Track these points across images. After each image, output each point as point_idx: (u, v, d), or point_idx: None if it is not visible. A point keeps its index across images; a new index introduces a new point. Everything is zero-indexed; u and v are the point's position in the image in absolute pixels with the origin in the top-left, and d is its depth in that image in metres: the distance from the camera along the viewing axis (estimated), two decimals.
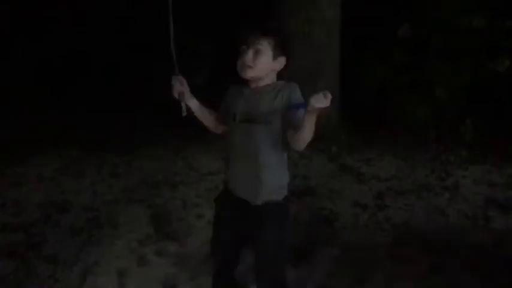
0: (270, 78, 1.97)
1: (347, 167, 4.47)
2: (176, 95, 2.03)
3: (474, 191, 3.93)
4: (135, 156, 4.73)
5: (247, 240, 2.08)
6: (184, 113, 2.04)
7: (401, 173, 4.34)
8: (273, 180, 1.96)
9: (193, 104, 2.06)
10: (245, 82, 1.98)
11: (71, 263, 2.89)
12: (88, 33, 7.31)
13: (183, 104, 2.03)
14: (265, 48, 1.91)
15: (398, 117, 5.47)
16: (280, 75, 2.02)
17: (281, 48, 1.94)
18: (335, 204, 3.74)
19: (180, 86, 2.02)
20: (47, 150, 4.83)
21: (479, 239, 3.19)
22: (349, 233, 3.30)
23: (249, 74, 1.92)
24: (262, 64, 1.91)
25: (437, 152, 4.79)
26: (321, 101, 1.65)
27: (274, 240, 1.97)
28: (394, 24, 5.66)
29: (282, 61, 1.97)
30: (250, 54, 1.90)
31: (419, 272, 2.81)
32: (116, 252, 3.01)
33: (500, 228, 3.34)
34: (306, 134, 1.75)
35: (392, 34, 5.55)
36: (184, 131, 4.07)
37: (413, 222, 3.45)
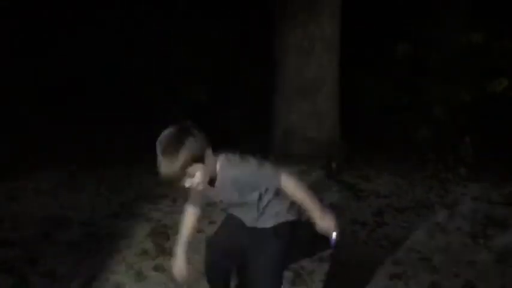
0: (214, 166, 1.85)
1: (346, 183, 4.47)
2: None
3: (473, 208, 3.93)
4: (134, 170, 4.72)
5: (241, 255, 2.08)
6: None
7: (400, 191, 4.35)
8: (269, 219, 2.01)
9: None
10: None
11: (69, 278, 2.86)
12: (87, 49, 7.37)
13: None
14: (192, 170, 1.74)
15: (397, 135, 5.50)
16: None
17: (200, 149, 1.74)
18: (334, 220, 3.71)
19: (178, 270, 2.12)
20: (45, 165, 4.82)
21: (479, 257, 3.18)
22: (347, 250, 3.28)
23: (203, 186, 1.83)
24: (203, 177, 1.79)
25: (436, 170, 4.80)
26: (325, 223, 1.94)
27: (263, 263, 1.98)
28: (392, 43, 5.72)
29: (209, 154, 1.79)
30: (188, 181, 1.77)
31: None
32: (114, 267, 2.98)
33: (500, 246, 3.32)
34: None
35: (391, 53, 5.60)
36: None
37: (412, 239, 3.43)
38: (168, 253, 3.14)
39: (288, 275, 2.93)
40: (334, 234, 1.87)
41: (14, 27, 7.21)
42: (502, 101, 5.32)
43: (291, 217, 2.04)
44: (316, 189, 4.21)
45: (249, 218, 2.03)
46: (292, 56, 5.05)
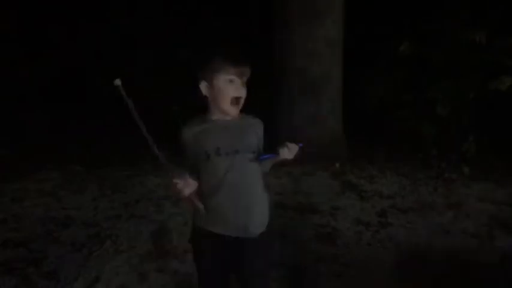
0: None
1: (350, 184, 4.46)
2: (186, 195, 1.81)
3: (478, 209, 3.90)
4: (137, 171, 4.72)
5: (231, 271, 2.00)
6: (202, 212, 1.87)
7: (404, 191, 4.32)
8: (263, 209, 1.93)
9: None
10: (204, 116, 1.90)
11: (72, 279, 2.86)
12: (89, 49, 7.39)
13: (199, 204, 1.87)
14: (247, 77, 1.88)
15: (401, 135, 5.48)
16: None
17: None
18: (337, 221, 3.71)
19: (188, 188, 1.79)
20: (48, 166, 4.83)
21: (484, 258, 3.15)
22: (351, 251, 3.27)
23: (235, 112, 1.85)
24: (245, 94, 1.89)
25: (439, 169, 4.78)
26: (289, 154, 1.83)
27: (262, 268, 1.95)
28: (396, 42, 5.70)
29: None
30: (239, 86, 1.85)
31: None
32: (117, 268, 2.98)
33: (505, 247, 3.30)
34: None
35: (394, 51, 5.58)
36: None
37: (416, 240, 3.41)
38: (172, 255, 3.13)
39: (292, 276, 2.92)
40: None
41: (15, 27, 7.23)
42: (506, 100, 5.29)
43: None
44: (320, 190, 4.23)
45: (238, 210, 1.84)
46: (295, 56, 5.03)
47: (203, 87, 1.87)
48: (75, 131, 6.15)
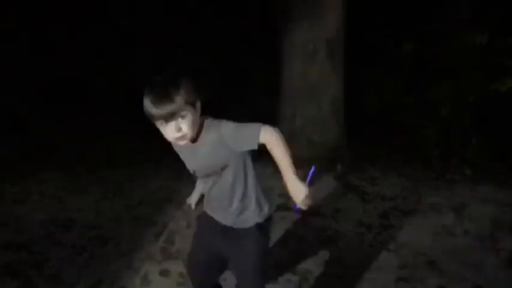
0: (197, 127, 1.83)
1: (352, 185, 4.45)
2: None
3: (481, 211, 3.89)
4: (139, 174, 4.72)
5: (224, 261, 2.10)
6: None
7: (406, 192, 4.31)
8: (246, 210, 1.95)
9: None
10: None
11: (74, 281, 2.86)
12: (89, 49, 7.39)
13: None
14: (185, 109, 1.71)
15: (402, 136, 5.47)
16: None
17: (194, 94, 1.76)
18: (339, 223, 3.70)
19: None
20: (49, 168, 4.82)
21: (486, 260, 3.15)
22: (353, 253, 3.26)
23: (185, 141, 1.80)
24: (191, 126, 1.75)
25: (442, 171, 4.76)
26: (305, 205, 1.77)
27: (252, 262, 1.97)
28: (397, 43, 5.70)
29: (198, 105, 1.79)
30: (173, 126, 1.72)
31: None
32: (119, 271, 2.97)
33: (508, 249, 3.29)
34: None
35: (396, 52, 5.58)
36: None
37: (419, 242, 3.40)
38: (174, 257, 3.13)
39: (294, 278, 2.92)
40: (299, 203, 1.75)
41: (15, 27, 7.24)
42: (507, 101, 5.28)
43: (268, 211, 1.99)
44: (322, 192, 4.22)
45: (226, 207, 1.95)
46: (296, 58, 5.03)
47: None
48: (76, 132, 6.14)
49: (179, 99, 1.69)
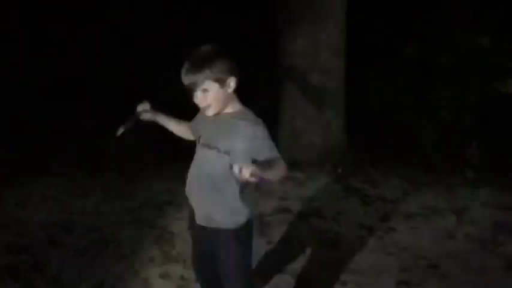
0: (230, 105, 1.90)
1: (353, 188, 4.44)
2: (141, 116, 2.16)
3: (482, 214, 3.88)
4: (140, 176, 4.72)
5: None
6: (119, 133, 2.20)
7: (407, 195, 4.31)
8: (224, 205, 1.89)
9: (159, 118, 2.17)
10: None
11: (75, 284, 2.86)
12: (89, 49, 7.40)
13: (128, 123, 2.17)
14: (208, 84, 1.80)
15: (404, 139, 5.47)
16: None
17: (224, 72, 1.82)
18: (340, 226, 3.70)
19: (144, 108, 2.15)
20: (51, 171, 4.82)
21: (488, 264, 3.14)
22: (354, 255, 3.26)
23: (211, 112, 1.87)
24: (214, 100, 1.84)
25: (443, 173, 4.76)
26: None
27: (232, 265, 1.95)
28: (399, 44, 5.70)
29: (231, 82, 1.86)
30: (199, 95, 1.84)
31: None
32: (120, 273, 2.97)
33: (509, 252, 3.28)
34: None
35: (398, 54, 5.58)
36: (189, 152, 4.07)
37: (420, 245, 3.40)
38: (175, 260, 3.13)
39: (294, 281, 2.91)
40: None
41: (15, 27, 7.24)
42: (508, 103, 5.28)
43: (247, 213, 1.92)
44: (323, 195, 4.22)
45: (201, 198, 1.93)
46: (298, 61, 5.03)
47: None
48: (76, 133, 6.14)
49: (205, 74, 1.78)
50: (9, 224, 3.67)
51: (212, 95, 1.82)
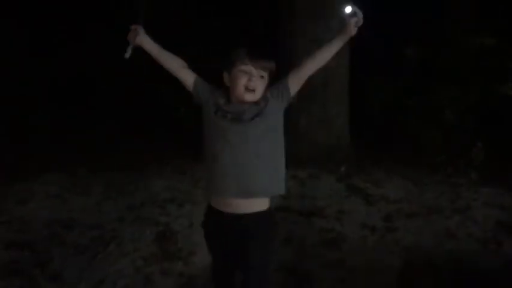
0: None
1: (355, 187, 4.42)
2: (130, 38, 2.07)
3: (485, 214, 3.86)
4: (142, 174, 4.72)
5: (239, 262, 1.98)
6: (127, 55, 2.12)
7: (410, 195, 4.29)
8: (269, 171, 1.92)
9: (146, 43, 2.08)
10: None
11: (76, 281, 2.86)
12: (90, 50, 7.40)
13: (129, 47, 2.08)
14: (267, 75, 1.94)
15: (407, 139, 5.45)
16: None
17: (273, 70, 1.98)
18: (343, 225, 3.69)
19: (134, 29, 2.06)
20: (53, 168, 4.83)
21: (490, 264, 3.13)
22: (356, 255, 3.24)
23: (250, 98, 1.91)
24: (262, 88, 1.94)
25: (446, 174, 4.74)
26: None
27: (262, 257, 1.92)
28: (402, 45, 5.68)
29: (268, 77, 1.99)
30: (256, 80, 1.90)
31: None
32: (121, 270, 2.97)
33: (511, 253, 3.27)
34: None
35: (401, 55, 5.56)
36: (191, 149, 4.07)
37: (423, 245, 3.38)
38: (176, 257, 3.13)
39: (296, 280, 2.91)
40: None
41: (16, 27, 7.25)
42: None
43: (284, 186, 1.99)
44: (325, 194, 4.21)
45: (240, 168, 1.88)
46: (300, 59, 5.03)
47: (225, 77, 1.97)
48: (77, 132, 6.15)
49: (271, 64, 1.95)
50: (11, 221, 3.68)
51: (264, 83, 1.93)
